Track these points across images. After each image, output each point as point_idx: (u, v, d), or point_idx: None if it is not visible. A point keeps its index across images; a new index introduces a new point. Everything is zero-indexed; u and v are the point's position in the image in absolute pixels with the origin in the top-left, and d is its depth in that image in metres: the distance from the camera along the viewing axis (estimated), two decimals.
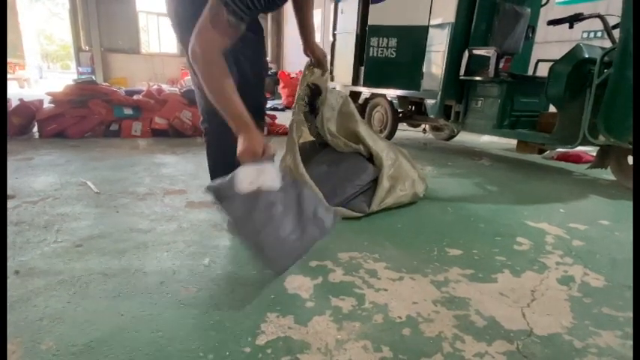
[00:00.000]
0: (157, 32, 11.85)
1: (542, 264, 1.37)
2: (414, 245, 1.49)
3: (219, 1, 1.02)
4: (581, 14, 2.38)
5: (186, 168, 2.52)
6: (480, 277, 1.26)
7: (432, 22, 3.02)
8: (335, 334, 0.94)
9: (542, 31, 3.65)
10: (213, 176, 1.59)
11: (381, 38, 3.17)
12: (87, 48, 10.63)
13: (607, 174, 2.64)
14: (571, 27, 2.46)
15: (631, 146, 2.32)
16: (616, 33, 2.19)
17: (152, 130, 3.67)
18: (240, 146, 1.09)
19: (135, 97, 3.90)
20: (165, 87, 10.77)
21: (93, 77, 10.20)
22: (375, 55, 3.23)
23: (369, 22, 3.21)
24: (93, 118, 3.55)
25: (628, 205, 2.14)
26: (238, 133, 1.11)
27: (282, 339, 0.91)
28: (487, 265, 1.35)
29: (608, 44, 2.34)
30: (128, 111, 3.70)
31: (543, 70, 2.79)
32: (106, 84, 5.13)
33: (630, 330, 1.01)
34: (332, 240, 1.48)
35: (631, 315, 1.08)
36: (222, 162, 1.48)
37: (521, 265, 1.36)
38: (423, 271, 1.28)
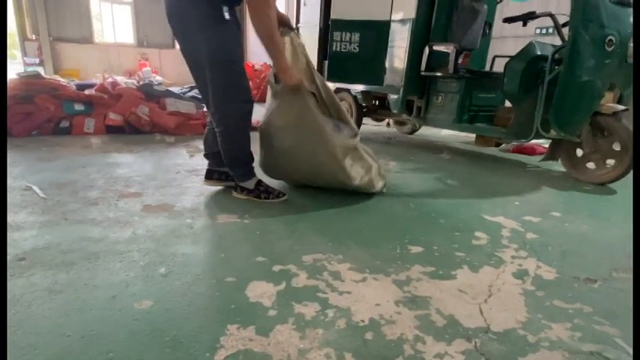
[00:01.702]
0: (112, 21, 11.22)
1: (498, 258, 1.42)
2: (377, 243, 1.50)
3: None
4: (534, 13, 2.46)
5: (143, 168, 2.41)
6: (440, 275, 1.28)
7: (393, 18, 3.04)
8: (297, 344, 0.92)
9: (499, 26, 3.76)
10: (238, 160, 1.84)
11: (343, 33, 3.15)
12: (33, 37, 9.90)
13: (558, 166, 2.78)
14: (524, 25, 2.54)
15: (579, 140, 2.45)
16: (566, 31, 2.29)
17: (106, 126, 3.48)
18: (281, 73, 1.70)
19: (87, 91, 3.68)
20: (122, 79, 10.25)
21: (40, 70, 9.54)
22: (338, 49, 3.21)
23: (332, 17, 3.18)
24: (40, 114, 3.31)
25: (577, 196, 2.26)
26: (279, 66, 1.69)
27: (242, 352, 0.88)
28: (447, 261, 1.38)
29: (559, 41, 2.45)
30: (79, 107, 3.48)
31: (500, 65, 2.88)
32: (56, 77, 4.79)
33: (579, 321, 1.06)
34: (296, 241, 1.47)
35: (580, 306, 1.14)
36: (244, 143, 1.82)
37: (479, 260, 1.40)
38: (385, 270, 1.29)
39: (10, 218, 1.56)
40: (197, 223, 1.60)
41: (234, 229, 1.58)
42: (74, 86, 4.18)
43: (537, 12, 2.50)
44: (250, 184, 1.89)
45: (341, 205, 1.89)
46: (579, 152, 2.56)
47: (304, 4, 3.99)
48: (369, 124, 4.48)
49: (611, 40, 2.15)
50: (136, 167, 2.42)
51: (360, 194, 2.01)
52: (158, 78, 11.15)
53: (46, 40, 9.91)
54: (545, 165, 2.90)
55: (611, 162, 2.42)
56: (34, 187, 1.92)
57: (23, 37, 9.87)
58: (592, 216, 1.93)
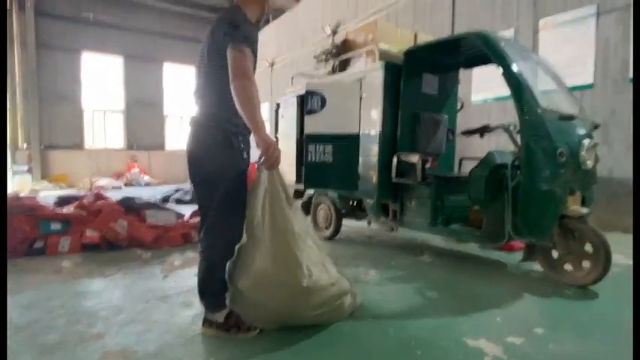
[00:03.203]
0: (103, 127, 11.78)
1: None
2: None
3: (237, 43, 1.61)
4: (489, 126, 2.67)
5: (112, 298, 2.31)
6: None
7: (362, 132, 3.25)
8: None
9: (464, 121, 4.00)
10: (213, 284, 1.81)
11: (317, 145, 3.34)
12: (24, 146, 10.23)
13: (538, 265, 2.76)
14: (481, 137, 2.73)
15: (552, 244, 2.47)
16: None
17: (82, 244, 3.42)
18: (260, 140, 1.62)
19: (65, 209, 3.69)
20: (109, 182, 10.37)
21: (28, 177, 9.67)
22: (313, 159, 3.37)
23: (305, 131, 3.39)
24: (14, 236, 3.25)
25: (559, 305, 2.21)
26: (258, 134, 1.61)
27: None
28: None
29: None
30: (56, 226, 3.46)
31: (468, 167, 3.01)
32: (34, 196, 4.82)
33: None
34: None
35: None
36: (221, 275, 1.81)
37: None
38: None
39: None
40: None
41: None
42: (55, 199, 4.21)
43: (492, 125, 2.71)
44: (220, 317, 1.81)
45: (314, 336, 1.80)
46: (555, 253, 2.57)
47: (282, 117, 4.29)
48: (350, 225, 4.50)
49: (561, 153, 2.30)
50: (104, 297, 2.32)
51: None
52: (146, 178, 11.41)
53: (37, 149, 10.24)
54: (525, 264, 2.88)
55: (586, 264, 2.42)
56: None
57: (14, 147, 10.18)
58: (576, 332, 1.86)
